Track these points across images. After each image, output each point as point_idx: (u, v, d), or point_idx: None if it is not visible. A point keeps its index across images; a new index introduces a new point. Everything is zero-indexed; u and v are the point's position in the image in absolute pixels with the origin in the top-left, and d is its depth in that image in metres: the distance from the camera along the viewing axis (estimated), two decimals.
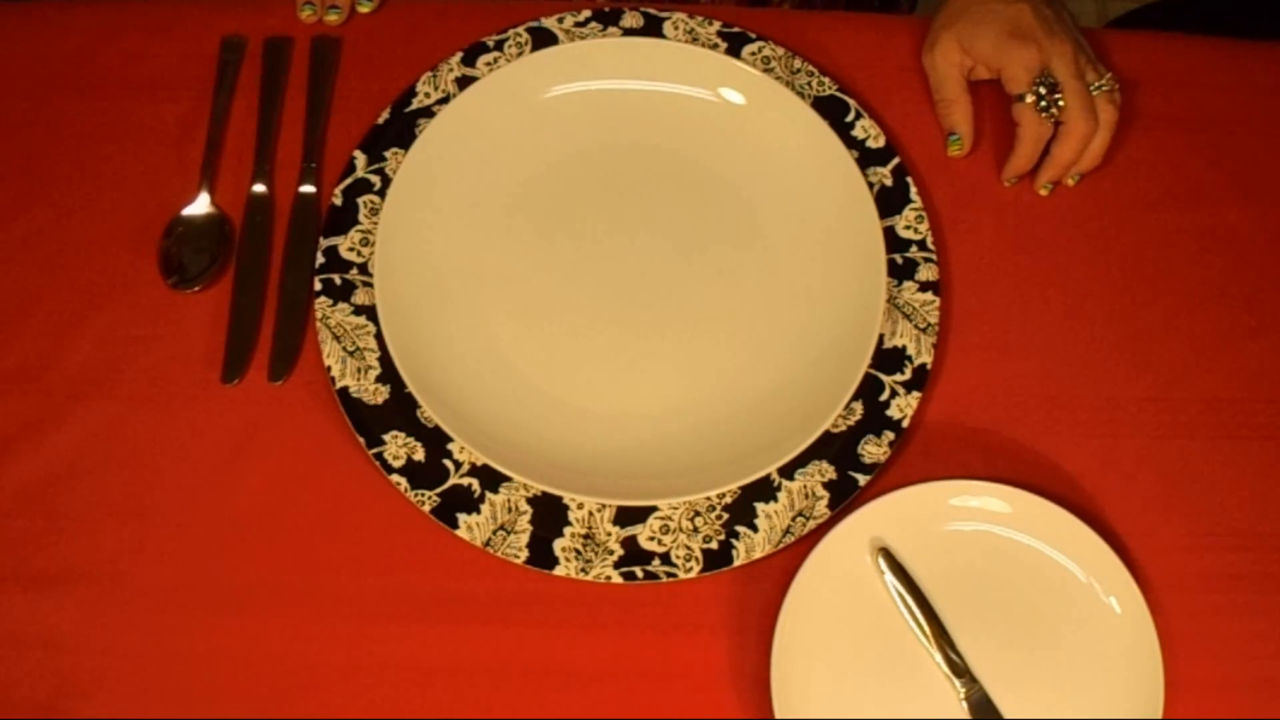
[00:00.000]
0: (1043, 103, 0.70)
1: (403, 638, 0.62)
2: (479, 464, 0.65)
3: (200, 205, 0.71)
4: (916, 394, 0.67)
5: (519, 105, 0.73)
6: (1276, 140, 0.75)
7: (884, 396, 0.67)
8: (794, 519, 0.64)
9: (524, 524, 0.64)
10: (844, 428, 0.66)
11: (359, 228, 0.70)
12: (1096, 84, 0.70)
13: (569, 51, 0.73)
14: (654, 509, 0.64)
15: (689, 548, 0.63)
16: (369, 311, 0.68)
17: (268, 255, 0.70)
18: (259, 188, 0.71)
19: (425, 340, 0.67)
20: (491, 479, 0.65)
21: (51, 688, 0.61)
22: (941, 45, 0.72)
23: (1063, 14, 0.72)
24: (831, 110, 0.73)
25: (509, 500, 0.64)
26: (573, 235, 0.71)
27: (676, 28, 0.75)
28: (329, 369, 0.67)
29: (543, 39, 0.75)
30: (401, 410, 0.66)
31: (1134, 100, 0.75)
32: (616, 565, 0.63)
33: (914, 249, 0.70)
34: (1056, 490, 0.66)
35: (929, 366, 0.67)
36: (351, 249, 0.70)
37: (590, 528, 0.64)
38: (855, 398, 0.67)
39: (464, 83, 0.74)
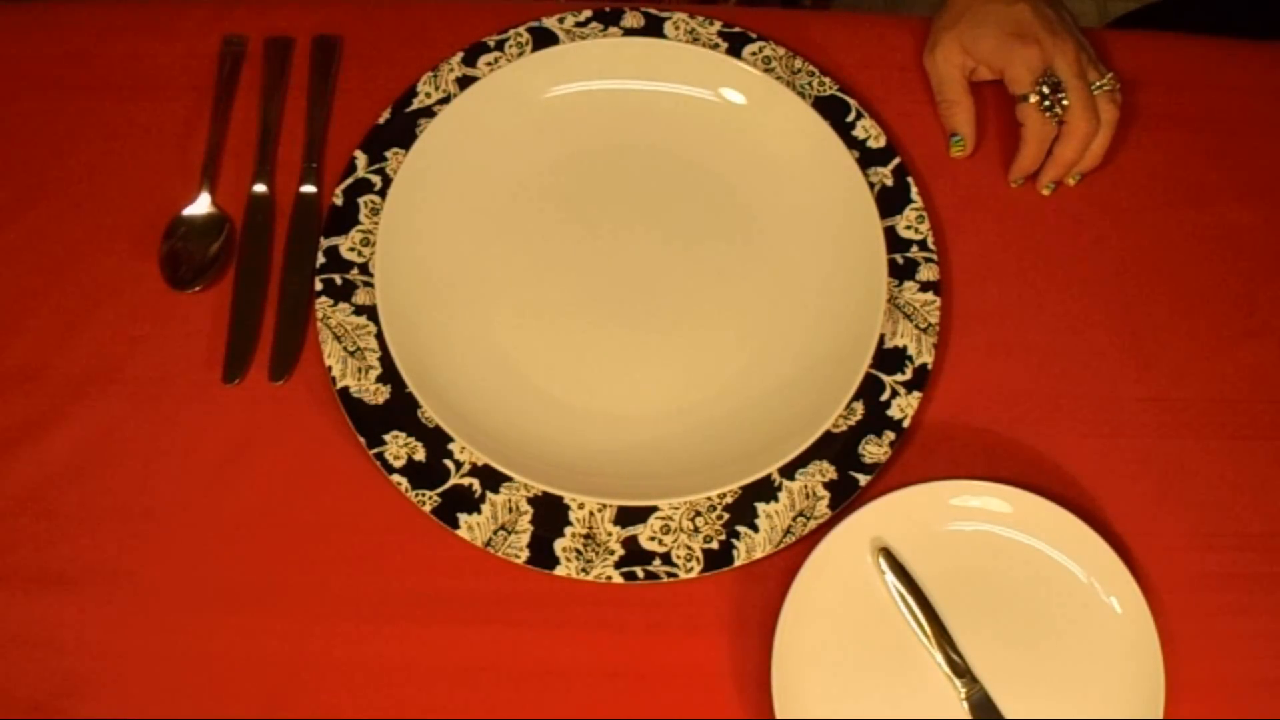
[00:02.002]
0: (1046, 102, 0.70)
1: (403, 638, 0.62)
2: (480, 464, 0.65)
3: (201, 205, 0.71)
4: (917, 394, 0.67)
5: (520, 105, 0.73)
6: (1277, 140, 0.75)
7: (885, 396, 0.67)
8: (795, 519, 0.64)
9: (525, 524, 0.64)
10: (845, 428, 0.66)
11: (360, 228, 0.70)
12: (1098, 83, 0.70)
13: (570, 51, 0.73)
14: (655, 509, 0.64)
15: (690, 548, 0.63)
16: (370, 311, 0.68)
17: (268, 255, 0.70)
18: (260, 188, 0.71)
19: (426, 340, 0.67)
20: (492, 479, 0.65)
21: (51, 687, 0.61)
22: (943, 46, 0.72)
23: (1063, 13, 0.72)
24: (832, 110, 0.73)
25: (510, 500, 0.64)
26: (573, 235, 0.71)
27: (677, 28, 0.75)
28: (330, 369, 0.67)
29: (543, 39, 0.75)
30: (402, 410, 0.66)
31: (1135, 100, 0.75)
32: (617, 565, 0.63)
33: (915, 249, 0.70)
34: (1057, 490, 0.66)
35: (930, 366, 0.67)
36: (352, 249, 0.70)
37: (591, 528, 0.64)
38: (856, 398, 0.67)
39: (465, 82, 0.74)
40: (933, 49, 0.73)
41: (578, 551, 0.63)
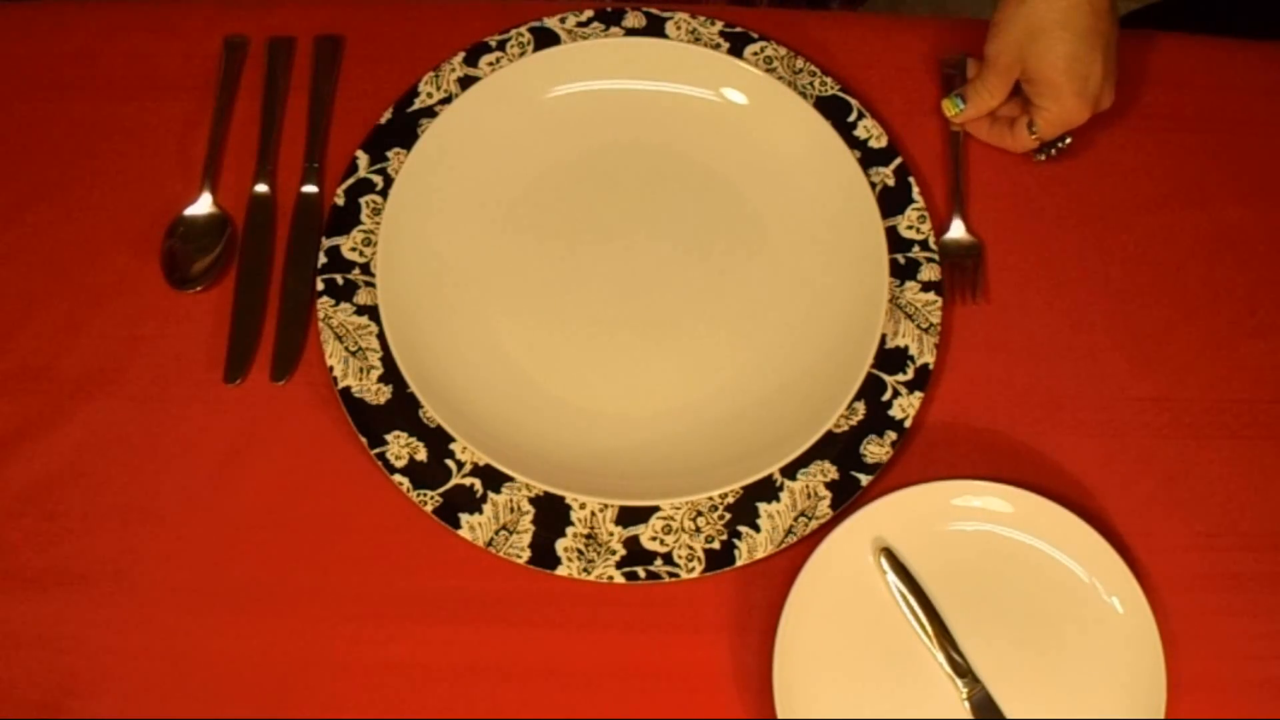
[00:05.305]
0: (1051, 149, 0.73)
1: (404, 638, 0.62)
2: (481, 464, 0.65)
3: (202, 205, 0.71)
4: (919, 394, 0.67)
5: (521, 105, 0.73)
6: (1277, 140, 0.75)
7: (886, 396, 0.67)
8: (796, 519, 0.64)
9: (526, 524, 0.64)
10: (846, 428, 0.66)
11: (361, 228, 0.70)
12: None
13: (571, 51, 0.73)
14: (656, 509, 0.64)
15: (691, 548, 0.63)
16: (371, 311, 0.68)
17: (270, 255, 0.70)
18: (261, 187, 0.71)
19: (427, 340, 0.67)
20: (494, 479, 0.65)
21: (52, 687, 0.61)
22: (1005, 64, 0.69)
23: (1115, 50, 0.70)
24: (834, 110, 0.73)
25: (511, 500, 0.64)
26: (575, 235, 0.71)
27: (679, 28, 0.75)
28: (331, 369, 0.67)
29: (545, 39, 0.75)
30: (404, 410, 0.66)
31: (1135, 100, 0.75)
32: (619, 565, 0.63)
33: (916, 249, 0.70)
34: (1058, 490, 0.66)
35: (931, 367, 0.67)
36: (354, 249, 0.70)
37: (592, 528, 0.64)
38: (857, 398, 0.67)
39: (466, 82, 0.74)
40: (999, 56, 0.69)
41: (579, 551, 0.63)
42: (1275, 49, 0.77)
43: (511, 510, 0.64)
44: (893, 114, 0.75)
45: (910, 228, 0.71)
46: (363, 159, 0.72)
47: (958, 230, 0.71)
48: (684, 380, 0.68)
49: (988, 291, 0.71)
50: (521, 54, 0.74)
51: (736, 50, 0.75)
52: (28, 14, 0.76)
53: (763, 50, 0.75)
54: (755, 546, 0.63)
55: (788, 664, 0.60)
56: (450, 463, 0.65)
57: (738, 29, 0.75)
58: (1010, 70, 0.69)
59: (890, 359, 0.68)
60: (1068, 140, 0.72)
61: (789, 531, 0.64)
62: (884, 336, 0.68)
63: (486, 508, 0.64)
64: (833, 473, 0.65)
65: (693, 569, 0.63)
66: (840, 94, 0.74)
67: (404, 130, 0.72)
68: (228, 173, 0.72)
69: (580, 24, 0.75)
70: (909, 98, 0.75)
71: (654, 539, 0.64)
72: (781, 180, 0.72)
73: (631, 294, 0.69)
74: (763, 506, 0.64)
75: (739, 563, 0.63)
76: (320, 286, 0.68)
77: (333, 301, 0.68)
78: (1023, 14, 0.67)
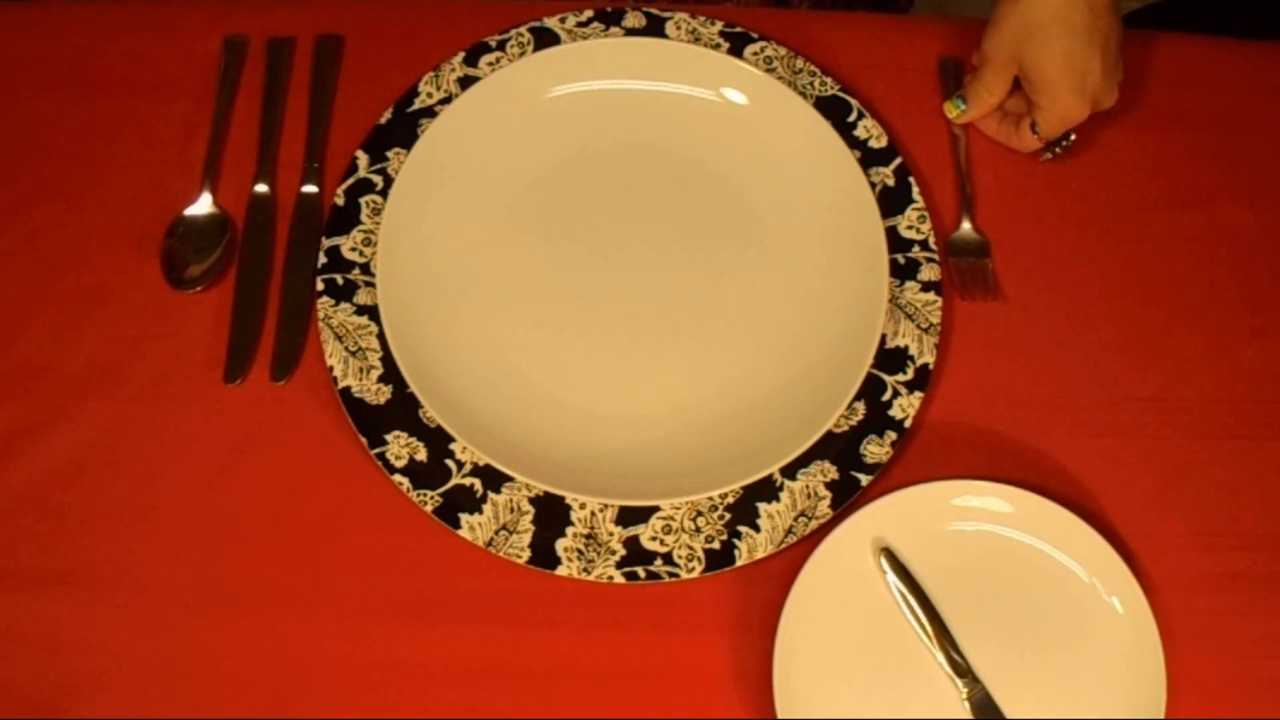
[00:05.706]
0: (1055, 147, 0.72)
1: (404, 638, 0.62)
2: (481, 464, 0.65)
3: (202, 205, 0.71)
4: (919, 394, 0.67)
5: (521, 105, 0.73)
6: (1277, 140, 0.75)
7: (886, 396, 0.67)
8: (796, 519, 0.64)
9: (526, 524, 0.64)
10: (846, 428, 0.66)
11: (361, 228, 0.70)
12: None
13: (571, 51, 0.73)
14: (656, 509, 0.64)
15: (691, 548, 0.63)
16: (371, 311, 0.68)
17: (270, 255, 0.70)
18: (261, 187, 0.71)
19: (427, 340, 0.67)
20: (494, 479, 0.65)
21: (51, 687, 0.61)
22: (1001, 60, 0.69)
23: (1118, 49, 0.69)
24: (834, 110, 0.73)
25: (511, 500, 0.64)
26: (574, 235, 0.71)
27: (679, 28, 0.75)
28: (331, 369, 0.66)
29: (545, 39, 0.75)
30: (404, 410, 0.66)
31: (1135, 100, 0.75)
32: (619, 565, 0.63)
33: (916, 249, 0.70)
34: (1058, 490, 0.66)
35: (931, 367, 0.67)
36: (354, 249, 0.70)
37: (592, 528, 0.64)
38: (857, 398, 0.67)
39: (466, 82, 0.74)
40: (993, 55, 0.69)
41: (579, 551, 0.63)
42: (1275, 49, 0.77)
43: (511, 510, 0.64)
44: (893, 114, 0.75)
45: (910, 228, 0.71)
46: (363, 159, 0.72)
47: (966, 229, 0.71)
48: (684, 380, 0.68)
49: (991, 290, 0.71)
50: (521, 54, 0.74)
51: (736, 50, 0.75)
52: (28, 14, 0.76)
53: (763, 50, 0.75)
54: (755, 546, 0.63)
55: (788, 664, 0.60)
56: (450, 463, 0.65)
57: (738, 29, 0.75)
58: (1007, 66, 0.69)
59: (890, 359, 0.68)
60: (1072, 137, 0.72)
61: (789, 531, 0.64)
62: (884, 336, 0.68)
63: (486, 508, 0.64)
64: (833, 473, 0.65)
65: (693, 569, 0.63)
66: (840, 94, 0.74)
67: (404, 130, 0.72)
68: (228, 173, 0.72)
69: (580, 24, 0.75)
70: (909, 98, 0.75)
71: (654, 539, 0.64)
72: (781, 180, 0.72)
73: (631, 294, 0.69)
74: (763, 506, 0.64)
75: (739, 563, 0.63)
76: (320, 286, 0.68)
77: (333, 301, 0.68)
78: (1019, 11, 0.67)
